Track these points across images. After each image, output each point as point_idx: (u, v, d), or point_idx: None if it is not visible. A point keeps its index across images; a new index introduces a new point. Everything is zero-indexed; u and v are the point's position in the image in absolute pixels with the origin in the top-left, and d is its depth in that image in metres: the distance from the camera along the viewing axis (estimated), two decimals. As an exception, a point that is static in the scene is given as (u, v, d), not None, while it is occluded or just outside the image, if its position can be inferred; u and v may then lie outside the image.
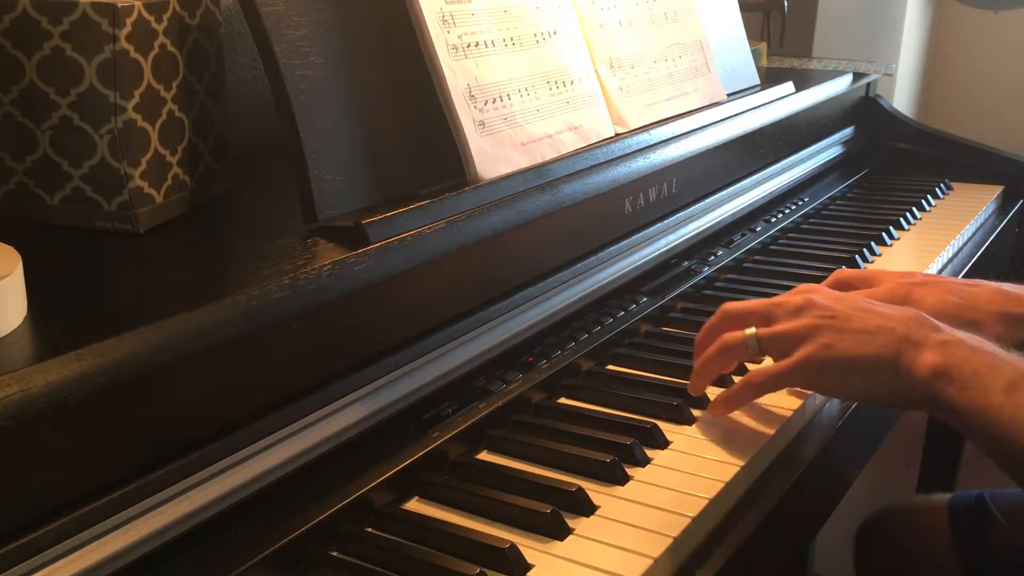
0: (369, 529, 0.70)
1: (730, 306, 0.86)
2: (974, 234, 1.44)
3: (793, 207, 1.44)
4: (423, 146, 0.87)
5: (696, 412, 0.85)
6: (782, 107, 1.40)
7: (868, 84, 1.72)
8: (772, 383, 0.81)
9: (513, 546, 0.65)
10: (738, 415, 0.84)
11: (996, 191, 1.59)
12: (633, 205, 1.06)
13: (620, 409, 0.85)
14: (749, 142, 1.32)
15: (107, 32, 0.75)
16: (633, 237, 1.08)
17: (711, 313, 1.06)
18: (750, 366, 0.92)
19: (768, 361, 0.84)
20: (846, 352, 0.77)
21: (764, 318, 0.83)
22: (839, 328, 0.78)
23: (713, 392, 0.87)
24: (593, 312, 1.00)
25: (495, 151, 0.90)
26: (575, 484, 0.72)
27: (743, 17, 1.47)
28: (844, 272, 0.99)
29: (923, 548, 1.14)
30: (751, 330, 0.82)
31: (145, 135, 0.79)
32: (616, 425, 0.82)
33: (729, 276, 1.20)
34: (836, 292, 0.84)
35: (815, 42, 2.17)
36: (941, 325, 0.77)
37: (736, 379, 0.88)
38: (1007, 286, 0.92)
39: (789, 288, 1.11)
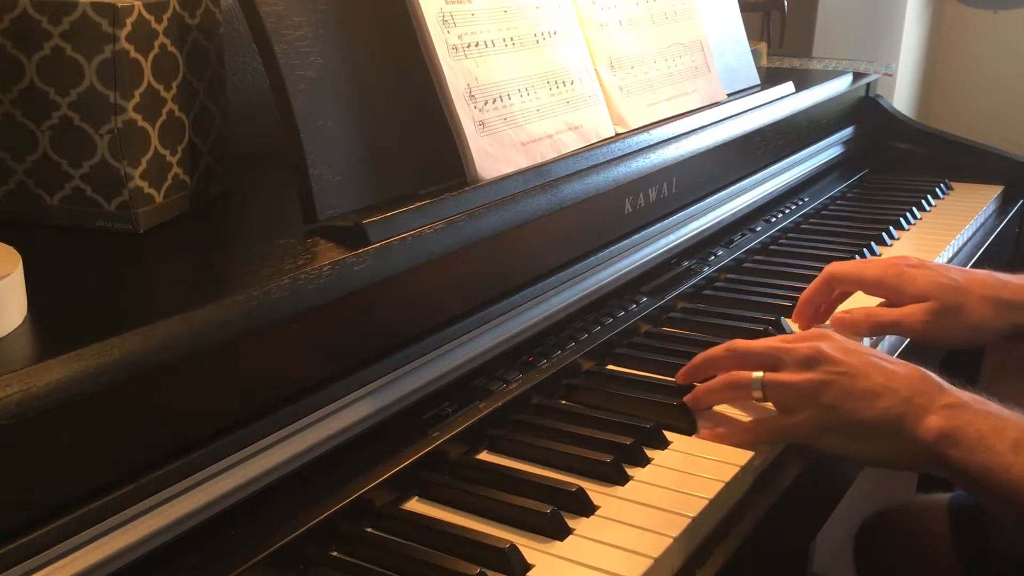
0: (369, 529, 0.70)
1: (739, 344, 0.85)
2: (974, 234, 1.44)
3: (793, 207, 1.44)
4: (423, 146, 0.87)
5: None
6: (782, 107, 1.40)
7: (868, 84, 1.72)
8: (777, 435, 0.81)
9: (513, 546, 0.65)
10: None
11: (996, 191, 1.59)
12: (633, 205, 1.06)
13: (620, 409, 0.85)
14: (749, 142, 1.32)
15: (107, 32, 0.75)
16: (633, 237, 1.08)
17: (711, 313, 1.07)
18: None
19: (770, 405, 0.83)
20: (849, 415, 0.76)
21: (772, 362, 0.82)
22: (844, 387, 0.77)
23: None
24: (593, 312, 1.00)
25: (495, 151, 0.90)
26: (575, 484, 0.72)
27: (743, 17, 1.47)
28: (836, 266, 0.99)
29: (923, 548, 1.14)
30: (759, 374, 0.81)
31: (145, 135, 0.79)
32: (616, 425, 0.82)
33: (729, 276, 1.20)
34: (846, 342, 0.81)
35: (815, 42, 2.17)
36: (945, 385, 0.77)
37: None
38: (1001, 275, 0.92)
39: (789, 288, 1.13)
